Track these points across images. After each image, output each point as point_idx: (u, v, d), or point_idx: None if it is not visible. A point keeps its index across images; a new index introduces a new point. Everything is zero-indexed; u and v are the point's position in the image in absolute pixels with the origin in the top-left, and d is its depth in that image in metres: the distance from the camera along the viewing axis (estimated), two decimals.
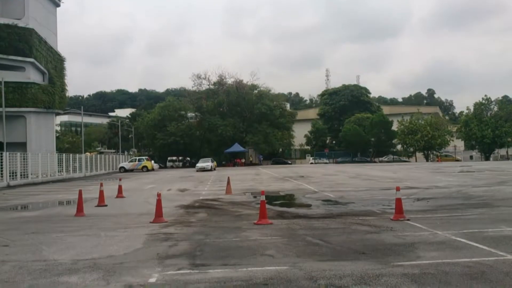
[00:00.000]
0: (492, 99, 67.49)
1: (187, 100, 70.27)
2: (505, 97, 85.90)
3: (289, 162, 70.64)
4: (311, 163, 67.15)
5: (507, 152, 70.04)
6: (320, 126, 76.35)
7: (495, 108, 67.07)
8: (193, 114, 70.02)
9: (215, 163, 50.49)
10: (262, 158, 68.98)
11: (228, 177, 19.64)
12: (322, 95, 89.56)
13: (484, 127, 62.94)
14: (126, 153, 71.14)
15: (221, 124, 63.71)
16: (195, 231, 9.18)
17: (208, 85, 70.36)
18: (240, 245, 7.70)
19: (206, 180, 27.82)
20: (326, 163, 65.65)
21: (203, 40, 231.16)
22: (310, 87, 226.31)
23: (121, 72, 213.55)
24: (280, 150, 74.40)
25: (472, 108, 67.36)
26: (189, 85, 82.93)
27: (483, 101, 66.54)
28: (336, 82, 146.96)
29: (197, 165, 44.73)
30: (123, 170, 50.07)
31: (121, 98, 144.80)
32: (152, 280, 5.63)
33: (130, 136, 77.24)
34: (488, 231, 8.31)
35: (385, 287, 5.05)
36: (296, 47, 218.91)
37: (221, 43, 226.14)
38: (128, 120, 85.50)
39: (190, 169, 56.15)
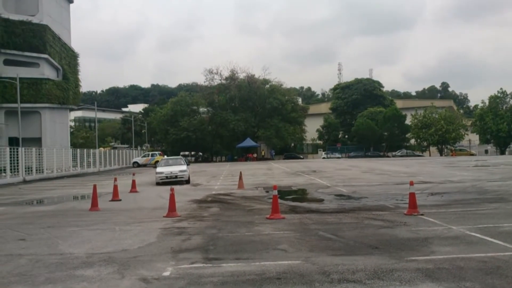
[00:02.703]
0: (508, 92, 66.37)
1: (199, 95, 70.40)
2: None
3: (301, 156, 70.42)
4: (323, 157, 66.86)
5: None
6: (332, 121, 75.92)
7: (511, 102, 65.96)
8: (205, 109, 70.10)
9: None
10: (274, 153, 68.89)
11: (240, 172, 19.70)
12: (334, 89, 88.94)
13: (499, 120, 61.94)
14: (139, 148, 71.72)
15: (233, 119, 63.75)
16: (208, 225, 9.24)
17: (220, 80, 70.42)
18: (253, 239, 7.73)
19: (218, 175, 27.93)
20: (338, 157, 65.29)
21: (214, 35, 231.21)
22: (322, 81, 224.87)
23: (133, 68, 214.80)
24: (292, 144, 74.20)
25: (487, 102, 66.34)
26: (201, 80, 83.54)
27: (499, 94, 65.43)
28: (348, 76, 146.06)
29: (158, 170, 21.38)
30: (137, 165, 50.52)
31: (134, 93, 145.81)
32: (166, 273, 5.70)
33: (143, 131, 77.81)
34: (504, 226, 8.21)
35: (399, 282, 5.02)
36: (308, 41, 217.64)
37: (232, 38, 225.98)
38: (141, 115, 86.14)
39: (203, 164, 56.40)
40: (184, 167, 21.51)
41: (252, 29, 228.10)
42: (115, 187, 14.91)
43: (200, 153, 70.45)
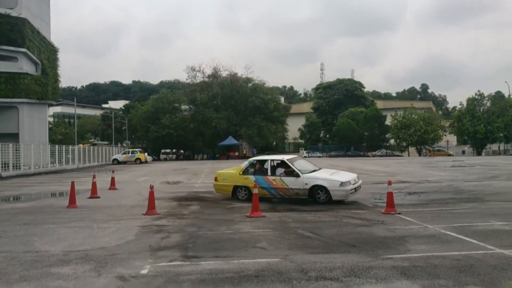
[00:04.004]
0: (485, 95, 67.87)
1: (181, 93, 70.00)
2: (498, 92, 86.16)
3: None
4: (305, 156, 67.22)
5: (499, 147, 70.57)
6: (314, 120, 76.41)
7: (488, 104, 67.38)
8: (187, 107, 69.71)
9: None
10: (255, 152, 68.99)
11: None
12: (316, 89, 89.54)
13: (476, 122, 63.27)
14: (119, 145, 70.88)
15: (215, 117, 63.56)
16: (187, 223, 9.21)
17: (203, 77, 70.12)
18: (232, 237, 7.74)
19: (200, 173, 27.81)
20: (319, 156, 65.76)
21: (198, 32, 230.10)
22: (304, 81, 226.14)
23: (115, 64, 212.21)
24: (274, 143, 74.44)
25: (465, 103, 67.70)
26: (183, 77, 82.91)
27: (476, 97, 66.81)
28: (330, 76, 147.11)
29: (342, 179, 11.94)
30: (116, 162, 49.86)
31: (115, 89, 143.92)
32: (144, 271, 5.66)
33: (123, 128, 76.96)
34: (478, 225, 8.42)
35: (375, 280, 5.11)
36: (291, 41, 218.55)
37: (216, 36, 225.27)
38: (121, 112, 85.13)
39: (184, 161, 56.06)
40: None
41: (236, 27, 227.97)
42: (94, 184, 14.70)
43: (182, 151, 70.01)
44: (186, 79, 71.29)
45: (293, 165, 12.34)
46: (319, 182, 11.83)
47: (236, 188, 12.87)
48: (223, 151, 65.33)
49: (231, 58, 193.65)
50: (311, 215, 10.12)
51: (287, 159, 12.65)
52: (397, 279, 5.11)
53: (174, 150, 69.02)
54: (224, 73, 69.19)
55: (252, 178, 12.49)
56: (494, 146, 70.27)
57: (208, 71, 69.64)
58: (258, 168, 12.91)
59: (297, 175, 12.00)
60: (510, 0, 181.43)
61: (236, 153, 65.09)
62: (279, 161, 12.81)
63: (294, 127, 74.22)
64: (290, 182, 12.07)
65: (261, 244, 7.12)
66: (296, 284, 5.00)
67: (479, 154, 65.40)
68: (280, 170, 12.54)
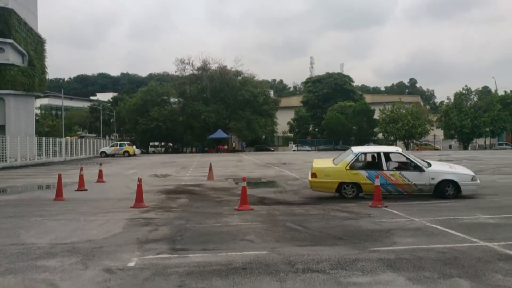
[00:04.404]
0: (472, 90, 68.64)
1: (170, 85, 69.53)
2: (485, 87, 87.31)
3: (272, 149, 70.84)
4: (294, 150, 67.45)
5: (485, 141, 71.57)
6: (303, 114, 76.58)
7: (475, 99, 68.17)
8: (176, 100, 69.34)
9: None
10: (245, 145, 69.00)
11: (210, 163, 19.62)
12: (305, 82, 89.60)
13: (463, 117, 64.01)
14: (107, 137, 70.29)
15: (204, 110, 63.32)
16: (175, 216, 9.19)
17: (192, 70, 69.72)
18: (220, 230, 7.75)
19: (188, 166, 27.74)
20: (308, 150, 66.02)
21: (187, 24, 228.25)
22: (294, 74, 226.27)
23: (103, 56, 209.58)
24: (263, 137, 74.48)
25: (452, 98, 68.42)
26: (172, 70, 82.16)
27: (463, 91, 67.55)
28: (320, 70, 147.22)
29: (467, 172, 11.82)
30: (104, 155, 49.50)
31: (103, 82, 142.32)
32: (131, 264, 5.64)
33: (111, 120, 76.26)
34: (463, 218, 8.54)
35: (361, 272, 5.16)
36: (281, 34, 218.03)
37: (205, 28, 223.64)
38: (109, 104, 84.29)
39: (173, 154, 55.85)
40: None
41: (225, 19, 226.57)
42: (81, 176, 14.58)
43: (170, 144, 69.70)
44: (175, 72, 70.89)
45: (414, 158, 11.40)
46: (448, 176, 11.07)
47: (341, 184, 11.43)
48: (212, 144, 65.19)
49: (221, 51, 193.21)
50: (299, 208, 10.17)
51: (402, 151, 11.72)
52: (383, 272, 5.17)
53: (163, 143, 68.71)
54: (213, 66, 68.97)
55: (363, 173, 11.22)
56: (480, 141, 71.22)
57: (198, 64, 69.36)
58: (368, 162, 11.91)
59: (421, 170, 11.09)
60: None
61: (225, 147, 65.02)
62: (394, 153, 11.84)
63: (283, 121, 74.30)
64: (412, 177, 11.04)
65: (249, 237, 7.14)
66: (283, 276, 5.03)
67: (465, 148, 66.25)
68: (392, 164, 11.56)
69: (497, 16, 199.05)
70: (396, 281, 4.82)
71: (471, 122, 63.32)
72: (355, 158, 11.54)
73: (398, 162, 11.62)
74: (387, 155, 11.65)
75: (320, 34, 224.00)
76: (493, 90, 74.45)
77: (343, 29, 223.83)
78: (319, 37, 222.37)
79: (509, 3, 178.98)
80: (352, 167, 11.38)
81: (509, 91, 73.11)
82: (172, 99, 69.82)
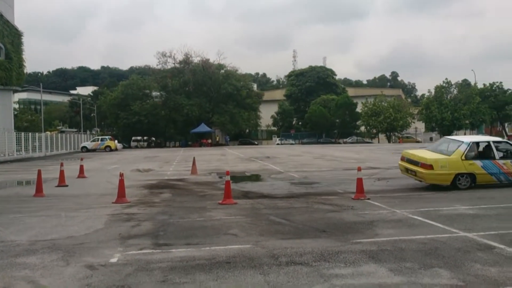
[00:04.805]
0: (453, 83, 69.75)
1: (152, 79, 68.68)
2: (465, 80, 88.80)
3: (256, 142, 70.88)
4: (277, 144, 67.65)
5: (464, 133, 72.93)
6: (287, 107, 76.74)
7: (455, 92, 69.33)
8: (158, 93, 68.60)
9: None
10: (228, 139, 68.85)
11: (194, 158, 19.55)
12: (289, 76, 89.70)
13: (444, 109, 65.00)
14: (88, 132, 69.24)
15: (187, 103, 62.83)
16: (158, 211, 9.12)
17: (174, 63, 69.00)
18: (204, 224, 7.72)
19: (171, 161, 27.56)
20: (292, 144, 66.29)
21: (169, 17, 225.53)
22: (277, 67, 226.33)
23: (82, 49, 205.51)
24: (247, 130, 74.41)
25: (433, 91, 69.42)
26: (153, 63, 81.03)
27: (444, 84, 68.60)
28: (303, 63, 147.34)
29: None
30: (85, 150, 48.78)
31: (83, 75, 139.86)
32: (114, 260, 5.58)
33: (92, 115, 75.11)
34: (443, 210, 8.69)
35: (344, 264, 5.21)
36: (264, 27, 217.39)
37: (187, 21, 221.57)
38: (90, 98, 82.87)
39: (156, 149, 55.39)
40: None
41: (208, 12, 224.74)
42: (62, 172, 14.33)
43: (153, 138, 69.08)
44: (157, 65, 70.02)
45: None
46: None
47: (457, 176, 11.28)
48: (196, 138, 64.87)
49: (204, 44, 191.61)
50: (283, 201, 10.21)
51: (508, 140, 12.13)
52: (365, 263, 5.22)
53: (145, 138, 68.07)
54: (196, 59, 68.37)
55: (478, 163, 11.31)
56: (461, 133, 72.55)
57: (180, 57, 68.64)
58: (479, 152, 11.93)
59: None
60: None
61: (209, 141, 64.78)
62: (502, 142, 12.15)
63: (267, 115, 74.34)
64: None
65: (233, 231, 7.13)
66: (267, 269, 5.04)
67: None
68: (499, 153, 11.67)
69: (477, 10, 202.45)
70: (378, 272, 4.88)
71: (451, 115, 64.36)
72: (468, 148, 11.47)
73: (503, 151, 11.77)
74: (497, 144, 11.85)
75: (303, 27, 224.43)
76: (472, 83, 75.85)
77: (326, 22, 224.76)
78: (302, 30, 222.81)
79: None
80: (467, 157, 11.36)
81: (488, 84, 74.69)
82: (154, 93, 69.03)
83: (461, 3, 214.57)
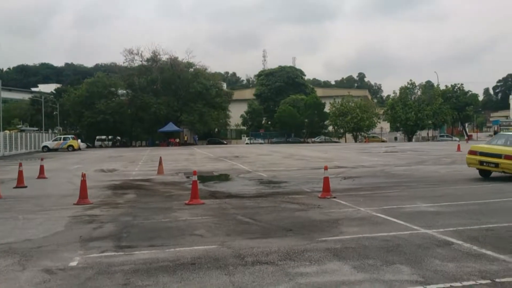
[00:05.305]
0: (417, 84, 71.84)
1: (118, 77, 67.20)
2: (428, 82, 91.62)
3: (225, 142, 70.61)
4: (247, 143, 67.67)
5: (427, 133, 75.36)
6: (256, 107, 76.84)
7: (419, 93, 71.47)
8: (124, 92, 67.17)
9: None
10: (197, 138, 68.28)
11: (160, 157, 19.25)
12: (258, 75, 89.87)
13: (408, 110, 66.88)
14: (50, 131, 67.00)
15: (155, 102, 61.83)
16: (122, 213, 8.90)
17: (141, 61, 67.77)
18: (169, 225, 7.59)
19: (137, 160, 27.05)
20: (261, 143, 66.46)
21: (136, 13, 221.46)
22: (247, 67, 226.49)
23: (45, 45, 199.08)
24: (216, 130, 74.02)
25: (398, 92, 71.29)
26: (120, 60, 79.32)
27: (408, 86, 70.61)
28: (273, 63, 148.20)
29: None
30: (47, 149, 47.18)
31: (45, 72, 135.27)
32: (73, 263, 5.39)
33: (54, 113, 72.58)
34: (406, 207, 8.91)
35: (309, 262, 5.23)
36: (234, 26, 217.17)
37: (156, 18, 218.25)
38: (52, 96, 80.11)
39: (121, 148, 54.27)
40: None
41: (177, 9, 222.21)
42: (20, 172, 13.78)
43: (118, 138, 67.62)
44: (123, 63, 68.59)
45: None
46: None
47: None
48: (163, 137, 63.96)
49: (172, 42, 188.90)
50: (251, 201, 10.18)
51: None
52: (330, 261, 5.27)
53: (110, 137, 66.53)
54: (164, 57, 67.40)
55: None
56: (424, 133, 74.88)
57: (147, 55, 67.47)
58: None
59: None
60: None
61: (177, 140, 64.01)
62: None
63: (236, 114, 74.18)
64: None
65: (199, 232, 7.04)
66: (232, 270, 5.00)
67: (409, 140, 69.36)
68: None
69: (441, 14, 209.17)
70: (341, 270, 4.92)
71: (415, 115, 66.27)
72: None
73: None
74: None
75: (273, 27, 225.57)
76: (435, 85, 78.37)
77: (296, 23, 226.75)
78: (272, 30, 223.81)
79: (451, 2, 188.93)
80: None
81: (449, 86, 77.43)
82: (120, 91, 67.54)
83: (426, 7, 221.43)
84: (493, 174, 13.85)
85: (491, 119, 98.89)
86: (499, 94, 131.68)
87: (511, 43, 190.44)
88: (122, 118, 62.24)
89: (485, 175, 13.84)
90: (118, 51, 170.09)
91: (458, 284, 4.36)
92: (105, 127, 62.09)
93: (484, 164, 13.29)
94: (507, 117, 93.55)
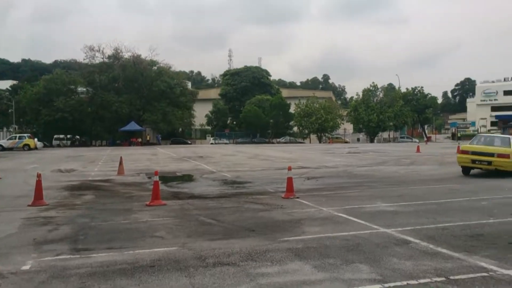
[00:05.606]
0: (379, 86, 73.73)
1: (78, 74, 65.15)
2: (390, 84, 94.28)
3: (189, 142, 69.88)
4: (211, 143, 67.24)
5: (389, 135, 77.48)
6: (222, 106, 76.54)
7: (381, 95, 73.39)
8: (85, 89, 65.15)
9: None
10: (160, 138, 67.21)
11: (121, 157, 18.79)
12: (224, 75, 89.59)
13: (370, 111, 68.42)
14: (5, 129, 64.16)
15: (116, 100, 60.26)
16: (79, 214, 8.61)
17: (102, 58, 65.93)
18: (129, 227, 7.40)
19: (97, 160, 26.29)
20: (226, 143, 66.20)
21: (99, 9, 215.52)
22: (212, 66, 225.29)
23: (1, 40, 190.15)
24: (180, 129, 73.12)
25: (361, 94, 72.91)
26: (80, 57, 76.73)
27: (371, 88, 72.36)
28: (238, 63, 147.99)
29: None
30: (1, 148, 45.04)
31: (1, 68, 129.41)
32: (26, 267, 5.15)
33: (10, 110, 69.52)
34: (366, 207, 9.09)
35: (270, 262, 5.22)
36: (199, 25, 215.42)
37: (119, 14, 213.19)
38: (8, 93, 76.69)
39: (80, 148, 52.65)
40: None
41: (141, 6, 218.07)
42: None
43: (77, 137, 65.56)
44: (84, 59, 66.45)
45: None
46: None
47: None
48: (125, 137, 62.53)
49: (136, 39, 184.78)
50: (214, 201, 10.10)
51: None
52: (291, 261, 5.28)
53: (69, 136, 64.39)
54: (126, 55, 65.85)
55: None
56: (385, 134, 76.96)
57: (109, 52, 65.73)
58: None
59: None
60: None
61: (139, 140, 62.75)
62: None
63: (201, 114, 73.62)
64: None
65: (159, 233, 6.90)
66: (192, 272, 4.92)
67: (372, 141, 71.07)
68: None
69: (402, 18, 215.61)
70: (302, 270, 4.94)
71: (377, 117, 67.94)
72: None
73: None
74: None
75: (240, 26, 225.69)
76: (396, 87, 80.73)
77: (263, 23, 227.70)
78: (238, 29, 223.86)
79: (412, 8, 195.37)
80: None
81: (410, 89, 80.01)
82: (80, 89, 65.44)
83: (388, 11, 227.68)
84: (473, 171, 15.31)
85: (449, 122, 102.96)
86: (457, 97, 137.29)
87: (469, 48, 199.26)
88: (82, 117, 60.33)
89: (467, 173, 15.18)
90: (78, 47, 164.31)
91: (414, 282, 4.47)
92: (64, 125, 59.99)
93: (477, 162, 14.64)
94: (464, 119, 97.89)
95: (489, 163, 14.31)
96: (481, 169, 14.91)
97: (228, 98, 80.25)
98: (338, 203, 9.50)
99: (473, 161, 14.73)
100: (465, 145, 16.02)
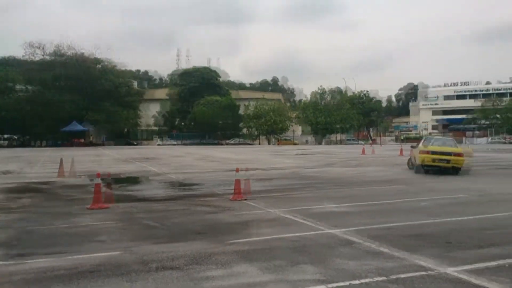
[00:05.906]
0: (327, 90, 75.73)
1: (17, 71, 61.59)
2: (337, 88, 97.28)
3: (135, 143, 68.11)
4: (159, 144, 65.97)
5: (336, 137, 79.79)
6: (170, 107, 75.33)
7: (329, 98, 75.44)
8: (24, 87, 61.70)
9: None
10: (105, 138, 64.99)
11: (61, 158, 17.91)
12: (172, 75, 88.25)
13: (318, 114, 70.17)
14: None
15: (58, 99, 57.57)
16: (15, 218, 8.09)
17: (43, 55, 62.83)
18: (69, 231, 7.05)
19: (36, 162, 24.95)
20: (174, 144, 65.20)
21: (42, 3, 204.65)
22: (160, 66, 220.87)
23: None
24: (126, 130, 71.09)
25: (309, 97, 74.66)
26: (19, 54, 72.39)
27: (319, 91, 74.24)
28: (187, 63, 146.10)
29: None
30: None
31: None
32: None
33: None
34: (314, 208, 9.23)
35: (215, 265, 5.15)
36: (148, 23, 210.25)
37: (65, 10, 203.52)
38: None
39: (18, 148, 49.74)
40: None
41: (88, 1, 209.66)
42: None
43: (15, 137, 61.90)
44: (23, 56, 63.06)
45: None
46: None
47: None
48: (67, 137, 59.84)
49: (81, 36, 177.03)
50: (160, 204, 9.86)
51: None
52: (237, 263, 5.23)
53: (6, 136, 60.63)
54: (69, 52, 63.07)
55: None
56: (333, 136, 79.14)
57: (50, 49, 62.70)
58: None
59: None
60: (353, 4, 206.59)
61: (82, 140, 60.30)
62: None
63: (148, 114, 72.04)
64: None
65: (100, 238, 6.62)
66: (134, 277, 4.75)
67: (320, 143, 72.81)
68: None
69: (352, 23, 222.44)
70: (248, 272, 4.92)
71: (325, 119, 69.72)
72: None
73: None
74: None
75: (189, 26, 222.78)
76: (343, 91, 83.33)
77: (213, 23, 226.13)
78: (188, 29, 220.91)
79: (362, 13, 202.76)
80: None
81: (356, 92, 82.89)
82: (19, 86, 61.92)
83: (339, 14, 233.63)
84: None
85: (393, 125, 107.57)
86: (400, 102, 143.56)
87: (413, 53, 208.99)
88: (21, 116, 57.03)
89: (427, 171, 16.49)
90: (17, 43, 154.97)
91: (356, 282, 4.57)
92: (1, 125, 56.46)
93: (437, 161, 16.12)
94: (407, 122, 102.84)
95: (448, 161, 15.95)
96: (440, 167, 16.15)
97: (176, 99, 79.07)
98: (287, 205, 9.58)
99: (434, 160, 16.12)
100: (422, 146, 17.34)
